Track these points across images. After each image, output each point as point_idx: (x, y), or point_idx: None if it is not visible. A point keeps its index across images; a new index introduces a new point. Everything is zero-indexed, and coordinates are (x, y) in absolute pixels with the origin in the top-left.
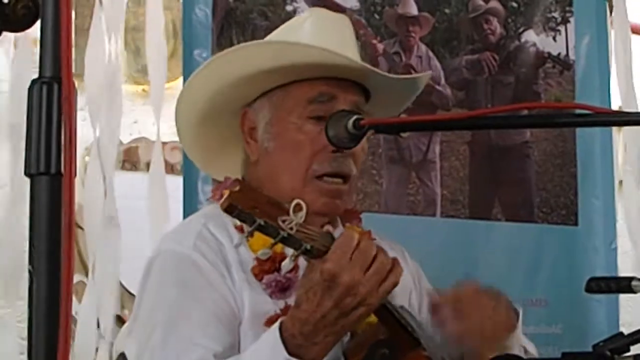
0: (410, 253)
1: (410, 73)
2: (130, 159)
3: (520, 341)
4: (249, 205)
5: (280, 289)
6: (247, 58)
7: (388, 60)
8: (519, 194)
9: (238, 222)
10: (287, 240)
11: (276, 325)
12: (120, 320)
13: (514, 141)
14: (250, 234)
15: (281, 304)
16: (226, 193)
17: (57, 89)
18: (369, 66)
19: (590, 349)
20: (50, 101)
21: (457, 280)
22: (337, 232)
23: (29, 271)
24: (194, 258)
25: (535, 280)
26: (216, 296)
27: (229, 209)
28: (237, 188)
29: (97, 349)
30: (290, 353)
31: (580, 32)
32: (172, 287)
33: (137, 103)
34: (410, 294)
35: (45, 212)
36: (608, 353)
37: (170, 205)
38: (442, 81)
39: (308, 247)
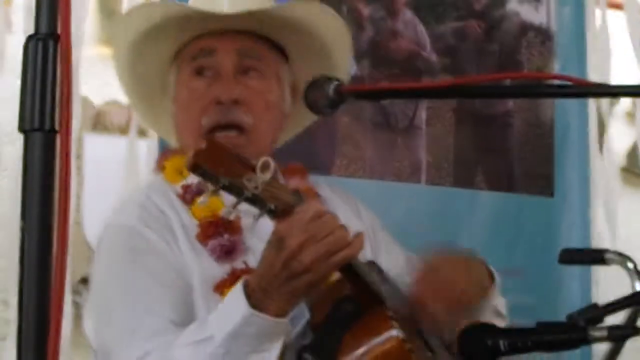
0: (393, 219)
1: (396, 38)
2: (102, 122)
3: (495, 307)
4: (214, 164)
5: (226, 252)
6: (136, 19)
7: (374, 25)
8: (501, 163)
9: (180, 191)
10: (251, 200)
11: (241, 280)
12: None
13: (497, 110)
14: (214, 193)
15: (227, 267)
16: (170, 167)
17: (53, 45)
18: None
19: (562, 320)
20: (46, 57)
21: (433, 247)
22: None
23: (21, 227)
24: (139, 229)
25: (514, 250)
26: (165, 265)
27: (193, 168)
28: (204, 146)
29: None
30: (252, 306)
31: (561, 3)
32: (122, 260)
33: (110, 65)
34: (365, 247)
35: (39, 168)
36: (582, 323)
37: (143, 169)
38: (428, 47)
39: (272, 207)
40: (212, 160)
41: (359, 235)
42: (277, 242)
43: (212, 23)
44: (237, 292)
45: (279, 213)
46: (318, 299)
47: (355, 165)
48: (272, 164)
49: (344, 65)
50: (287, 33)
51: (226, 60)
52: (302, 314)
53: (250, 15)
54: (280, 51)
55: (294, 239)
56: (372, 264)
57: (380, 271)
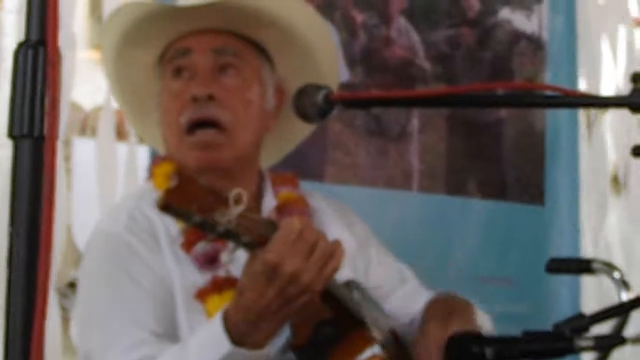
0: (385, 227)
1: (390, 46)
2: (92, 126)
3: (479, 321)
4: (185, 201)
5: (208, 261)
6: (114, 24)
7: (367, 32)
8: (493, 171)
9: None
10: (224, 235)
11: (219, 314)
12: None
13: (489, 118)
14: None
15: (209, 276)
16: (159, 174)
17: (43, 52)
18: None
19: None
20: (36, 64)
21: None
22: (265, 200)
23: (10, 233)
24: (126, 238)
25: (505, 258)
26: (151, 275)
27: (164, 208)
28: (175, 183)
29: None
30: (233, 341)
31: (553, 12)
32: (107, 268)
33: (100, 70)
34: (355, 259)
35: (27, 174)
36: (568, 333)
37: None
38: (421, 55)
39: (246, 240)
40: (184, 198)
41: (336, 244)
42: (269, 272)
43: (189, 24)
44: (216, 326)
45: (253, 245)
46: (300, 320)
47: (347, 172)
48: (245, 195)
49: (331, 70)
50: (265, 30)
51: (202, 58)
52: (282, 331)
53: (225, 12)
54: (263, 52)
55: (289, 264)
56: (352, 283)
57: (360, 289)
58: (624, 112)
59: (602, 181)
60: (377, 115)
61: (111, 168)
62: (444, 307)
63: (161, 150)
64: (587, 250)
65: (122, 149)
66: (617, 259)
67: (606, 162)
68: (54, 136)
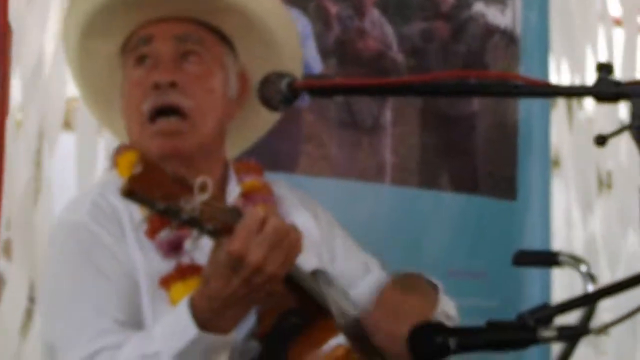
0: (357, 219)
1: (363, 38)
2: (66, 119)
3: (444, 311)
4: (150, 188)
5: (172, 248)
6: (74, 14)
7: (341, 23)
8: (466, 164)
9: None
10: (188, 222)
11: (185, 300)
12: None
13: (462, 111)
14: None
15: (172, 263)
16: (123, 162)
17: None
18: None
19: None
20: None
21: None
22: (229, 188)
23: None
24: (89, 226)
25: (476, 252)
26: (115, 263)
27: (127, 195)
28: (139, 170)
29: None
30: (200, 327)
31: (526, 7)
32: (71, 256)
33: None
34: (320, 249)
35: None
36: (532, 323)
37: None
38: (395, 47)
39: (210, 228)
40: (148, 184)
41: (298, 230)
42: (234, 261)
43: (151, 12)
44: (183, 312)
45: (218, 233)
46: (265, 308)
47: (320, 164)
48: (210, 183)
49: (294, 58)
50: (227, 18)
51: (164, 46)
52: (247, 319)
53: None
54: (226, 40)
55: (255, 255)
56: (318, 273)
57: (327, 279)
58: None
59: (589, 178)
60: (350, 107)
61: (91, 160)
62: (400, 296)
63: (125, 142)
64: (574, 247)
65: (101, 141)
66: (602, 256)
67: (592, 159)
68: (4, 111)
